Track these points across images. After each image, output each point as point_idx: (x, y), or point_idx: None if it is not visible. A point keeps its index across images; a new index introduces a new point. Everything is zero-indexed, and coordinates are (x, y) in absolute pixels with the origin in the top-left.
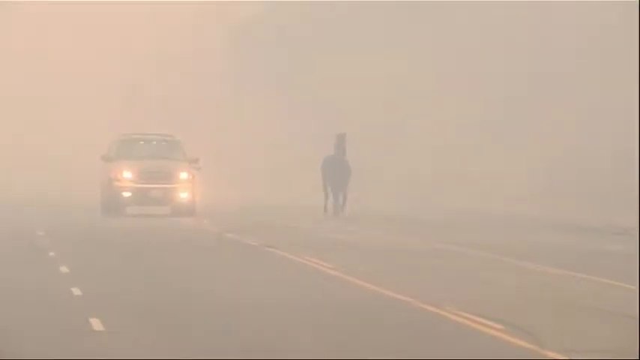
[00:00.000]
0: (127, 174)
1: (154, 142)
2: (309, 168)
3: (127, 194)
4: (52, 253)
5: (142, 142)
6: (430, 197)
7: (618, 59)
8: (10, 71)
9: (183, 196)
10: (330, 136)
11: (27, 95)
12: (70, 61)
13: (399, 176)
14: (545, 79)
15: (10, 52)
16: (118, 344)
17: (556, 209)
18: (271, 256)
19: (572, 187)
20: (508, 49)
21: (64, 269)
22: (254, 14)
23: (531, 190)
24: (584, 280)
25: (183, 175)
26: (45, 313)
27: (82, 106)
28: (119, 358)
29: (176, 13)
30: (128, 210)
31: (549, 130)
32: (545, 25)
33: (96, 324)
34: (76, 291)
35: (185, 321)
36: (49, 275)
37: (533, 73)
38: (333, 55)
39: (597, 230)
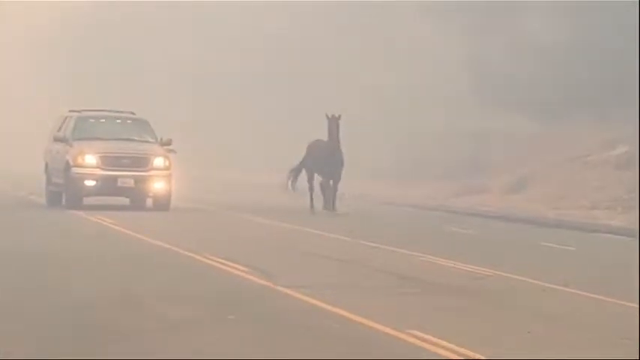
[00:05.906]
0: (91, 158)
1: (118, 121)
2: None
3: (90, 183)
4: None
5: (102, 121)
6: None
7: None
8: None
9: (159, 186)
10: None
11: None
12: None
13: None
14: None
15: None
16: None
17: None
18: (71, 215)
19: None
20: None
21: None
22: None
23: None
24: (308, 233)
25: (159, 161)
26: None
27: (19, 82)
28: None
29: None
30: (86, 201)
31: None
32: None
33: None
34: None
35: None
36: None
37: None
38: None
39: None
